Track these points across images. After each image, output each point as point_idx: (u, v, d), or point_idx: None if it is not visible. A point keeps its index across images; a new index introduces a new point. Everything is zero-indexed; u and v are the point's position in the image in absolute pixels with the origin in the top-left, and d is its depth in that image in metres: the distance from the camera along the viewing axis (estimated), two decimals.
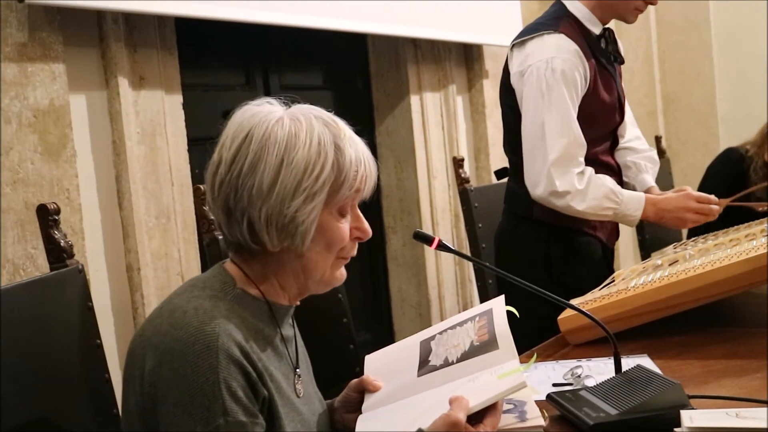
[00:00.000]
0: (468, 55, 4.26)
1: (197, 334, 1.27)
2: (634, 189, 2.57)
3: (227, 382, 1.25)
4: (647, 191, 2.54)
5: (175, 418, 1.25)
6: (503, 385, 1.32)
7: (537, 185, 2.36)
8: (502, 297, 1.56)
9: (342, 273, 1.47)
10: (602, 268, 2.50)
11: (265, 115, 1.38)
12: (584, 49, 2.37)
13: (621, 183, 2.58)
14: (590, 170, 2.36)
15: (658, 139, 4.29)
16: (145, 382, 1.28)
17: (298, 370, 1.48)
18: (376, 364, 1.62)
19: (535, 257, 2.47)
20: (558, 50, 2.34)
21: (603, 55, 2.45)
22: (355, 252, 1.47)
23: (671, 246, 2.61)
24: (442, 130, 4.05)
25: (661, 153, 4.22)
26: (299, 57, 3.57)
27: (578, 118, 2.36)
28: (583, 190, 2.33)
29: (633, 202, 2.37)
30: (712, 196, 2.41)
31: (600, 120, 2.46)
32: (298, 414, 1.43)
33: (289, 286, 1.43)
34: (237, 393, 1.26)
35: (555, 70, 2.32)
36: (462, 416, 1.27)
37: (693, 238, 2.60)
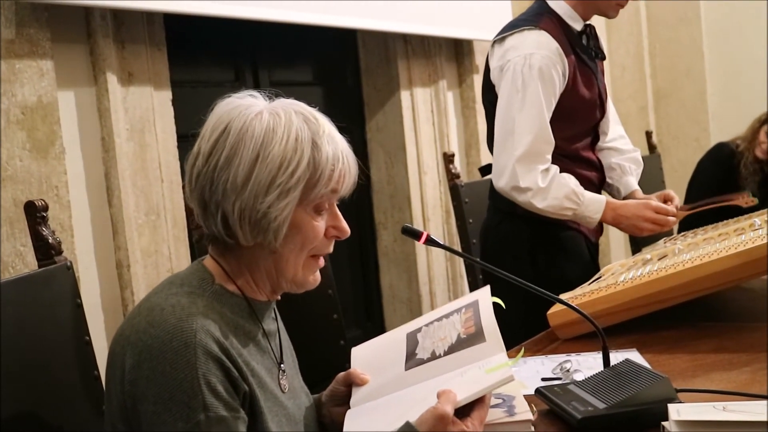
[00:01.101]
0: (458, 51, 4.26)
1: (174, 331, 1.27)
2: (618, 191, 2.61)
3: (206, 378, 1.25)
4: (631, 194, 2.58)
5: (155, 417, 1.25)
6: (491, 379, 1.33)
7: (500, 177, 2.39)
8: (488, 288, 1.57)
9: (315, 277, 1.45)
10: (587, 263, 2.52)
11: (245, 108, 1.37)
12: (564, 46, 2.38)
13: (603, 178, 2.60)
14: (555, 168, 2.39)
15: (648, 135, 4.30)
16: (125, 381, 1.28)
17: (282, 365, 1.48)
18: (362, 356, 1.62)
19: (519, 252, 2.48)
20: (537, 47, 2.36)
21: (584, 52, 2.46)
22: (330, 249, 1.46)
23: (662, 240, 2.63)
24: (432, 126, 4.05)
25: (651, 148, 4.23)
26: (289, 53, 3.57)
27: (558, 114, 2.38)
28: (545, 189, 2.35)
29: (593, 205, 2.40)
30: (671, 208, 2.45)
31: (580, 116, 2.48)
32: (283, 408, 1.42)
33: (263, 283, 1.43)
34: (217, 388, 1.26)
35: (532, 67, 2.34)
36: (449, 409, 1.27)
37: (683, 233, 2.61)
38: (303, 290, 1.45)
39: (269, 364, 1.44)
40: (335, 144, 1.38)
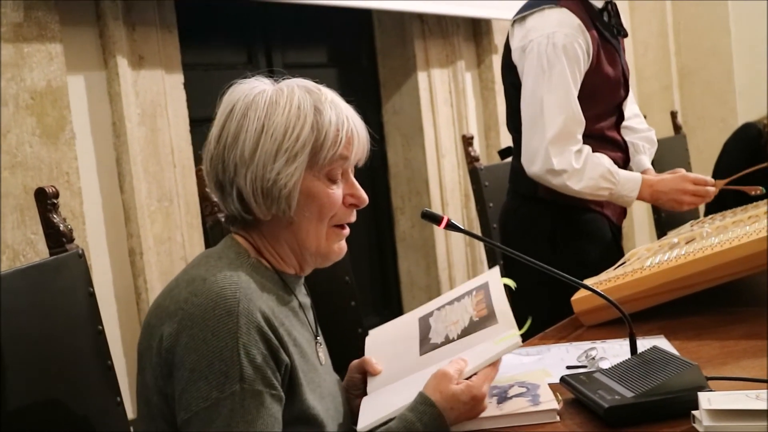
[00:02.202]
0: (476, 30, 4.23)
1: (218, 299, 1.29)
2: (630, 170, 2.59)
3: (246, 348, 1.27)
4: (643, 173, 2.56)
5: (190, 383, 1.26)
6: (499, 347, 1.38)
7: (534, 162, 2.37)
8: (497, 269, 1.59)
9: (341, 246, 1.48)
10: (610, 247, 2.50)
11: (249, 89, 1.42)
12: (586, 23, 2.37)
13: (628, 159, 2.59)
14: (587, 149, 2.37)
15: (673, 115, 4.26)
16: (162, 349, 1.30)
17: (318, 337, 1.51)
18: (376, 343, 1.65)
19: (539, 236, 2.47)
20: (560, 25, 2.34)
21: (606, 29, 2.44)
22: (352, 218, 1.48)
23: (688, 224, 2.60)
24: (450, 108, 4.03)
25: (676, 129, 4.20)
26: (302, 34, 3.55)
27: (582, 93, 2.37)
28: (579, 170, 2.34)
29: (629, 183, 2.39)
30: (709, 178, 2.43)
31: (604, 95, 2.46)
32: (323, 380, 1.45)
33: (288, 258, 1.45)
34: (256, 360, 1.28)
35: (556, 46, 2.32)
36: (451, 370, 1.35)
37: (710, 216, 2.59)
38: (329, 262, 1.48)
39: (308, 335, 1.47)
40: (339, 109, 1.42)
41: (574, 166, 2.33)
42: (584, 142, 2.39)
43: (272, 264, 1.44)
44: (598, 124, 2.46)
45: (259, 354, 1.28)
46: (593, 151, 2.40)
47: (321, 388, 1.43)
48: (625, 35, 2.54)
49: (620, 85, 2.50)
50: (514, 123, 2.49)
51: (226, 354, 1.26)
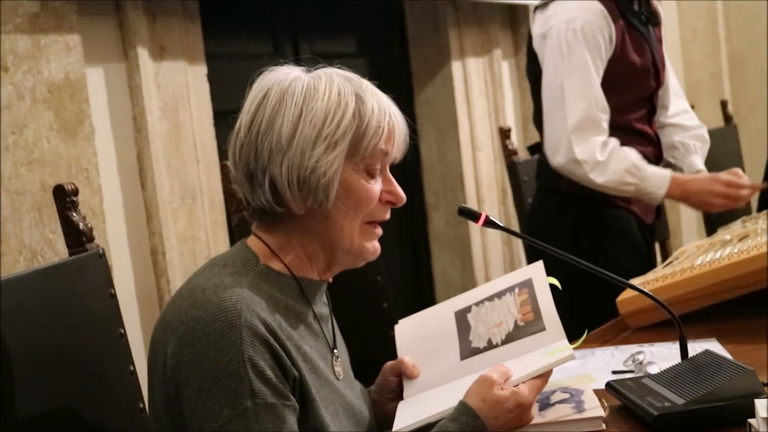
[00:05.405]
0: (513, 17, 4.21)
1: (217, 311, 1.28)
2: (681, 171, 2.59)
3: (253, 361, 1.26)
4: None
5: (199, 403, 1.26)
6: (550, 359, 1.36)
7: (556, 152, 2.39)
8: (541, 264, 1.57)
9: (374, 246, 1.46)
10: (637, 246, 2.50)
11: (283, 75, 1.40)
12: (611, 10, 2.39)
13: (660, 154, 2.57)
14: (614, 141, 2.38)
15: (724, 104, 4.22)
16: (167, 367, 1.30)
17: (335, 350, 1.48)
18: (410, 339, 1.63)
19: (562, 233, 2.47)
20: (580, 10, 2.37)
21: (635, 17, 2.44)
22: (387, 216, 1.46)
23: (740, 220, 2.58)
24: (486, 99, 4.01)
25: (727, 119, 4.15)
26: (330, 22, 3.55)
27: (607, 82, 2.38)
28: (603, 162, 2.34)
29: (657, 180, 2.39)
30: (742, 181, 2.43)
31: (631, 85, 2.46)
32: (339, 396, 1.43)
33: (316, 255, 1.43)
34: (264, 372, 1.26)
35: (576, 31, 2.35)
36: (495, 376, 1.33)
37: (764, 211, 2.56)
38: (362, 261, 1.46)
39: (323, 349, 1.45)
40: (380, 99, 1.41)
41: (598, 159, 2.34)
42: (611, 135, 2.40)
43: (293, 267, 1.42)
44: (625, 115, 2.47)
45: (266, 366, 1.27)
46: (621, 144, 2.40)
47: (335, 404, 1.41)
48: (656, 24, 2.54)
49: (649, 75, 2.50)
50: (539, 117, 2.51)
51: (231, 369, 1.25)
